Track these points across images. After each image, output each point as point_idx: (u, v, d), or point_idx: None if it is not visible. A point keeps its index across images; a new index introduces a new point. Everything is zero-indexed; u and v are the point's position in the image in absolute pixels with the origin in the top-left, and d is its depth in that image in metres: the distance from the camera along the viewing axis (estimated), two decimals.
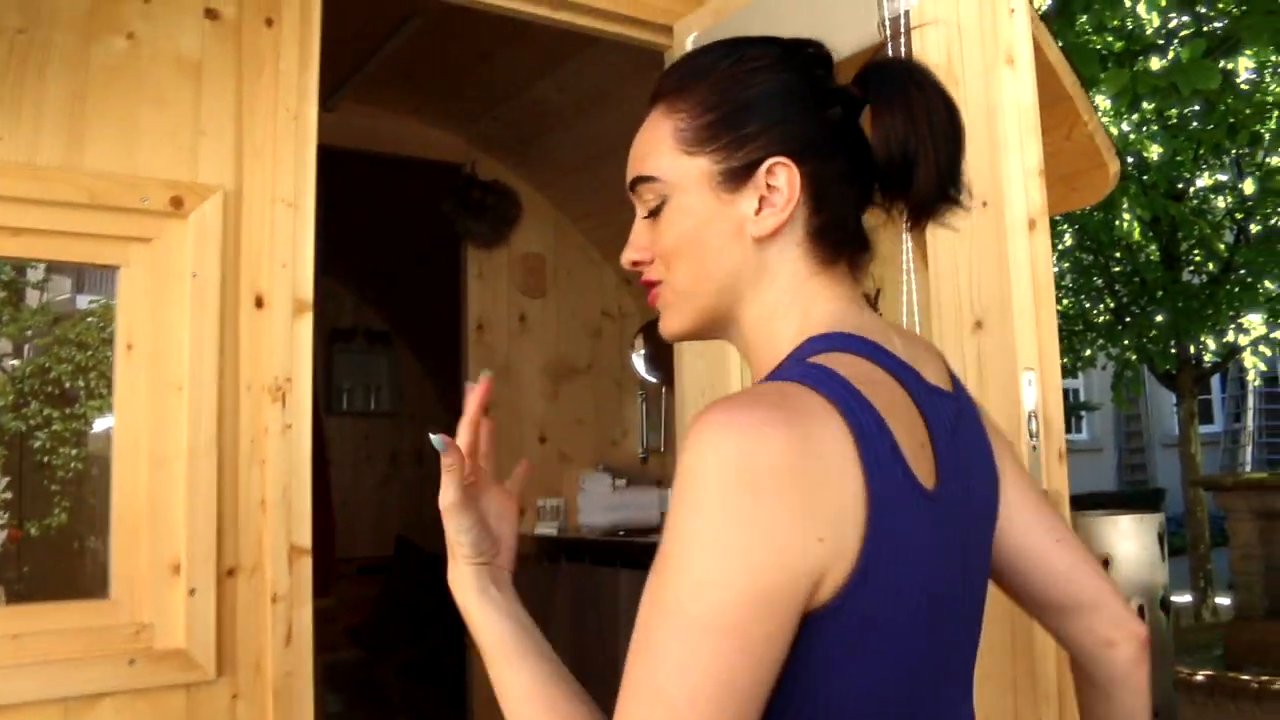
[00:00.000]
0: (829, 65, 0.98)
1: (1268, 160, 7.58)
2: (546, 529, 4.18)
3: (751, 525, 0.74)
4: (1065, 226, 8.31)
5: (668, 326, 0.98)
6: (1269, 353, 9.24)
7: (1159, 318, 8.31)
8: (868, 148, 0.94)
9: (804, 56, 0.96)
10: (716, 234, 0.93)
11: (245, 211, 1.91)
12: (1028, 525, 1.07)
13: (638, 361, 4.52)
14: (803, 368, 0.85)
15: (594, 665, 3.68)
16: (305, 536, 1.87)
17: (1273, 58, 6.45)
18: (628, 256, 0.99)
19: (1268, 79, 6.90)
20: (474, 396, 0.97)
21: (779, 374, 0.87)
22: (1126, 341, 8.43)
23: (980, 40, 1.67)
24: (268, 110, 1.95)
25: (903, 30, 1.69)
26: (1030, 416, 1.48)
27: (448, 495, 0.92)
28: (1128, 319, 8.56)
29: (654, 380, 4.51)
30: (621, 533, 4.09)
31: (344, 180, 4.52)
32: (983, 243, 1.57)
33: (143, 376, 1.82)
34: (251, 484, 1.86)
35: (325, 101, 2.43)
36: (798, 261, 0.93)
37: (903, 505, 0.81)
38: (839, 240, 0.94)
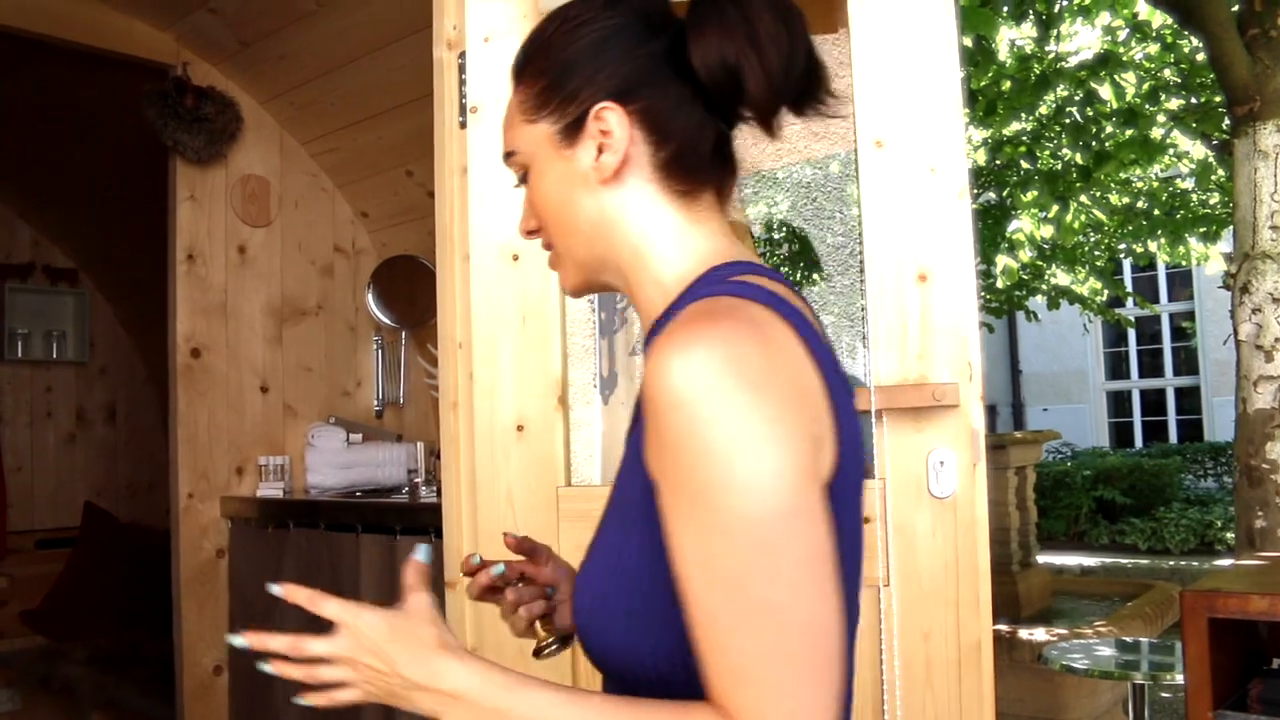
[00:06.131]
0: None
1: None
2: (270, 490, 3.67)
3: (768, 412, 0.75)
4: None
5: (563, 284, 1.04)
6: None
7: None
8: None
9: (628, 1, 0.97)
10: (569, 189, 0.97)
11: None
12: None
13: (374, 304, 4.09)
14: (729, 285, 0.88)
15: None
16: None
17: None
18: (522, 226, 1.04)
19: None
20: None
21: (693, 296, 0.89)
22: None
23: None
24: None
25: None
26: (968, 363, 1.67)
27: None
28: None
29: (391, 325, 4.11)
30: (358, 493, 3.67)
31: (12, 75, 3.80)
32: (929, 203, 1.71)
33: None
34: None
35: None
36: (655, 196, 0.96)
37: (847, 406, 0.87)
38: (693, 167, 0.96)
